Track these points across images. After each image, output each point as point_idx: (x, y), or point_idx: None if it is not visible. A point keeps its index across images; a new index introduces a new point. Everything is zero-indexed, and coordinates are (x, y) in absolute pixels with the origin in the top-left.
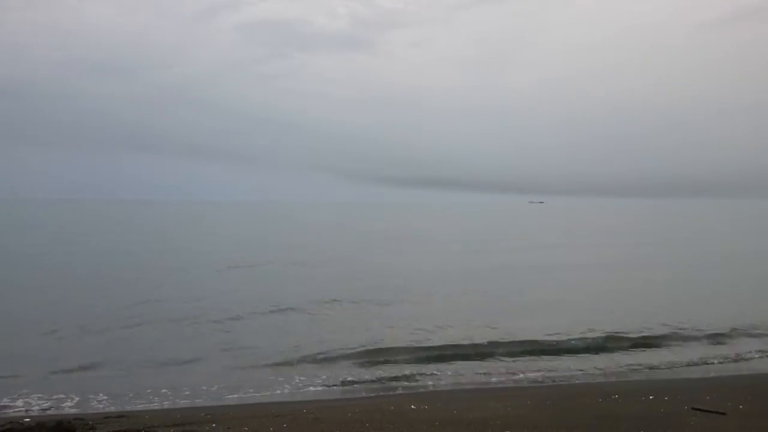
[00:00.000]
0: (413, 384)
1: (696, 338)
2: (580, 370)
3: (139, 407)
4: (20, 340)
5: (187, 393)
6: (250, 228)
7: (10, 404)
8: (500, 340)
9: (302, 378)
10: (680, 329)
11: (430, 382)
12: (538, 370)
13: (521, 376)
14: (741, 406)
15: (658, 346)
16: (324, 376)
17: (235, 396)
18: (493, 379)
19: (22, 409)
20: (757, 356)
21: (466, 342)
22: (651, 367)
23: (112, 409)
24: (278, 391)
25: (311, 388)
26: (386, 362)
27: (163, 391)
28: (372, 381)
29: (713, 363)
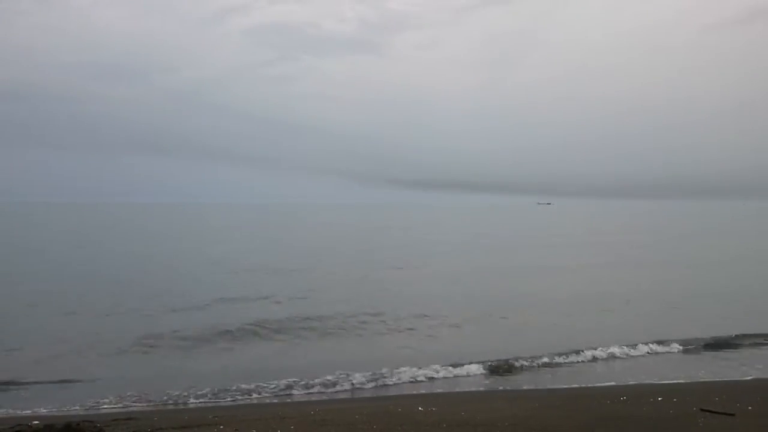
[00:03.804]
0: (420, 386)
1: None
2: (588, 371)
3: (148, 409)
4: (26, 344)
5: (195, 395)
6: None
7: (19, 407)
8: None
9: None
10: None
11: (438, 384)
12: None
13: (528, 377)
14: (750, 408)
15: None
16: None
17: (243, 398)
18: (500, 381)
19: (31, 411)
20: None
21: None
22: (659, 369)
23: (121, 411)
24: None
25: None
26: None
27: (171, 393)
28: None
29: (721, 364)
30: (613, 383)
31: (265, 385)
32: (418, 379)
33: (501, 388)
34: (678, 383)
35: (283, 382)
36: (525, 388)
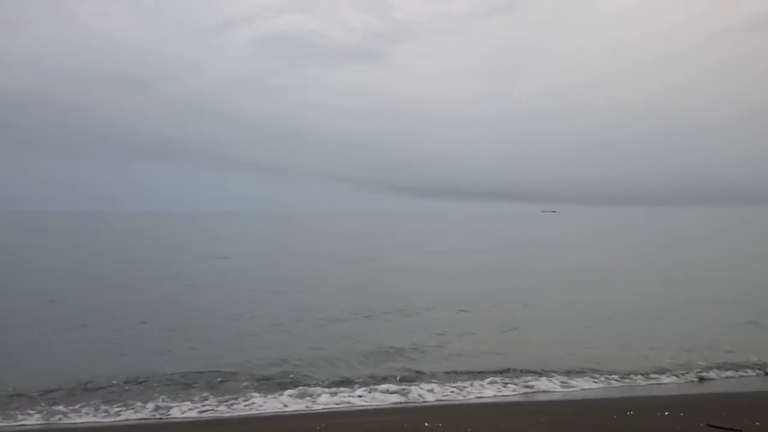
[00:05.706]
0: (428, 400)
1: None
2: (595, 385)
3: (148, 422)
4: (20, 354)
5: (197, 406)
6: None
7: (12, 417)
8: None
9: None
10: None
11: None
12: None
13: (536, 391)
14: (758, 423)
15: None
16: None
17: (247, 410)
18: (508, 395)
19: (23, 422)
20: None
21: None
22: (666, 384)
23: (120, 424)
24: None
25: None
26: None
27: (172, 403)
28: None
29: (729, 379)
30: (619, 397)
31: None
32: None
33: (508, 401)
34: (685, 396)
35: None
36: (531, 401)
